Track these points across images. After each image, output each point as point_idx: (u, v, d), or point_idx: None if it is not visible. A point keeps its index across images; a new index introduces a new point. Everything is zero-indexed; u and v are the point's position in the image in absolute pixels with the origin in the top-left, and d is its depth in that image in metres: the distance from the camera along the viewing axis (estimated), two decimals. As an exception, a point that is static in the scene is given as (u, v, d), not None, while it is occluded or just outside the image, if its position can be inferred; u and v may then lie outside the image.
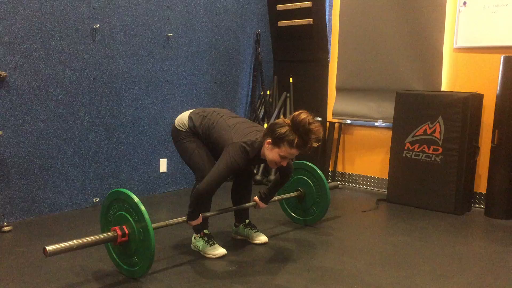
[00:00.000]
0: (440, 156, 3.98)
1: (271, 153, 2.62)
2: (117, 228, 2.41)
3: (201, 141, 2.85)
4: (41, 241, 3.02)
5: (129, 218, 2.40)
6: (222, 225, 3.39)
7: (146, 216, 2.32)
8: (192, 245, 2.95)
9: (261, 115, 5.21)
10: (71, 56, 3.62)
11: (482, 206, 4.09)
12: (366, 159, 4.86)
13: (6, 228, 3.20)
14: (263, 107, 5.25)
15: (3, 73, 3.22)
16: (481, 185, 4.12)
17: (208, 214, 2.83)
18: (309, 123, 2.48)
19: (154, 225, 2.44)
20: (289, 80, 5.26)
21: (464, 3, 4.10)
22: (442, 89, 4.28)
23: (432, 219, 3.78)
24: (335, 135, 5.01)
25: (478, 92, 4.01)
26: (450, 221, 3.71)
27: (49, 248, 2.17)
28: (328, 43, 5.01)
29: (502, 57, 3.77)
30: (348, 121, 4.94)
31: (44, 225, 3.36)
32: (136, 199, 2.37)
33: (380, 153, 4.73)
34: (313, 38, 5.02)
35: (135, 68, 4.06)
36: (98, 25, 3.74)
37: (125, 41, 3.96)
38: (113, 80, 3.91)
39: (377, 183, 4.79)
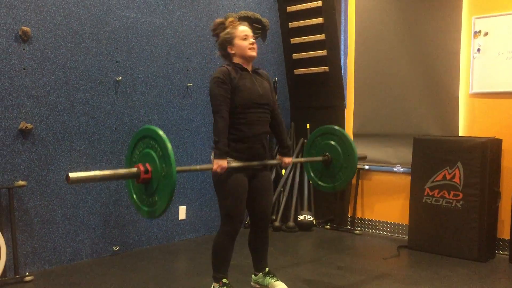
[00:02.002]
0: (461, 202, 3.93)
1: (237, 48, 2.88)
2: (140, 164, 2.40)
3: (241, 176, 2.83)
4: (62, 291, 3.04)
5: (153, 154, 2.39)
6: (241, 274, 3.36)
7: (170, 150, 2.32)
8: (211, 295, 2.93)
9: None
10: (95, 108, 3.74)
11: (506, 253, 4.00)
12: (386, 204, 4.82)
13: (28, 278, 3.23)
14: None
15: (29, 125, 3.34)
16: (504, 231, 4.04)
17: (234, 164, 2.77)
18: (221, 19, 2.98)
19: (178, 168, 2.42)
20: (306, 126, 5.31)
21: (478, 49, 4.16)
22: (460, 134, 4.28)
23: (455, 266, 3.70)
24: (354, 181, 5.00)
25: (497, 137, 4.00)
26: (473, 269, 3.63)
27: (71, 175, 2.14)
28: (344, 90, 5.08)
29: (519, 102, 3.78)
30: (366, 167, 4.94)
31: (65, 275, 3.38)
32: (162, 134, 2.38)
33: (399, 199, 4.69)
34: (329, 85, 5.10)
35: (156, 118, 4.17)
36: (120, 78, 3.88)
37: (146, 92, 4.09)
38: (134, 129, 4.00)
39: (398, 229, 4.72)
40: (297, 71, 5.32)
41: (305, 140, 5.27)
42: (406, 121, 4.59)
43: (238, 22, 2.96)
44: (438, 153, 4.09)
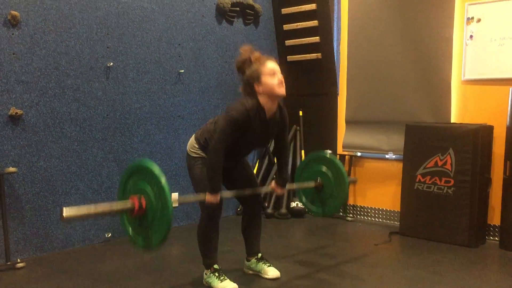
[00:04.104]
0: (452, 188, 3.96)
1: (265, 86, 2.71)
2: (135, 198, 2.38)
3: None
4: (54, 278, 3.03)
5: (148, 189, 2.37)
6: (233, 260, 3.37)
7: (166, 189, 2.31)
8: (203, 280, 2.94)
9: (271, 148, 5.24)
10: (85, 94, 3.70)
11: (496, 239, 4.04)
12: (378, 191, 4.84)
13: (20, 265, 3.22)
14: (273, 140, 5.28)
15: (19, 111, 3.31)
16: (495, 217, 4.08)
17: (226, 194, 2.78)
18: (242, 54, 2.81)
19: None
20: (298, 113, 5.30)
21: (471, 36, 4.16)
22: (452, 121, 4.29)
23: (446, 252, 3.73)
24: (346, 168, 5.01)
25: (488, 123, 4.01)
26: (464, 254, 3.66)
27: (65, 213, 2.12)
28: (337, 77, 5.07)
29: (510, 89, 3.79)
30: (359, 154, 4.95)
31: (57, 262, 3.37)
32: (157, 171, 2.36)
33: (391, 185, 4.71)
34: (321, 72, 5.09)
35: (147, 104, 4.14)
36: (111, 63, 3.84)
37: (138, 78, 4.06)
38: (125, 116, 3.98)
39: (389, 215, 4.75)
40: (290, 57, 5.30)
41: (298, 127, 5.27)
42: (398, 108, 4.60)
43: (265, 58, 2.81)
44: (430, 140, 4.10)
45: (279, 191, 3.10)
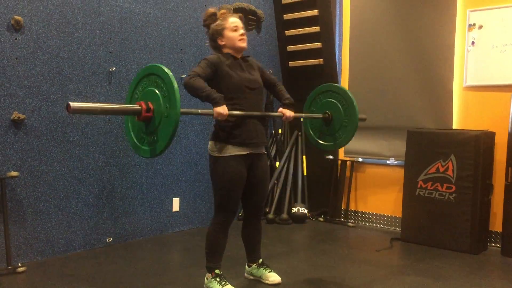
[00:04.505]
0: (454, 194, 3.95)
1: (227, 39, 2.88)
2: (142, 102, 2.37)
3: (235, 163, 2.80)
4: (55, 282, 3.03)
5: (158, 93, 2.36)
6: (234, 265, 3.37)
7: (176, 89, 2.30)
8: (204, 285, 2.93)
9: (273, 153, 5.25)
10: (88, 98, 3.71)
11: (498, 245, 4.03)
12: (379, 197, 4.84)
13: (20, 269, 3.22)
14: (275, 145, 5.29)
15: (22, 116, 3.31)
16: (496, 224, 4.07)
17: (235, 112, 2.74)
18: (207, 12, 2.94)
19: (183, 110, 2.40)
20: (300, 119, 5.30)
21: (472, 42, 4.17)
22: (453, 127, 4.30)
23: (447, 258, 3.72)
24: (347, 173, 5.01)
25: (490, 130, 4.02)
26: (466, 261, 3.65)
27: (73, 104, 2.10)
28: (339, 82, 5.08)
29: (512, 96, 3.80)
30: (360, 159, 4.95)
31: (58, 266, 3.37)
32: (169, 73, 2.35)
33: (393, 191, 4.71)
34: (323, 77, 5.09)
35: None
36: (114, 68, 3.86)
37: (140, 83, 4.06)
38: (127, 121, 3.98)
39: (391, 221, 4.74)
40: (292, 63, 5.31)
41: (300, 133, 5.27)
42: (400, 113, 4.60)
43: (229, 14, 2.95)
44: (432, 146, 4.11)
45: (287, 114, 3.06)
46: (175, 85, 2.33)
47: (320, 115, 3.38)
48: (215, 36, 2.92)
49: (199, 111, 2.67)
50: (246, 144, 2.84)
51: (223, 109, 2.66)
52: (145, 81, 2.48)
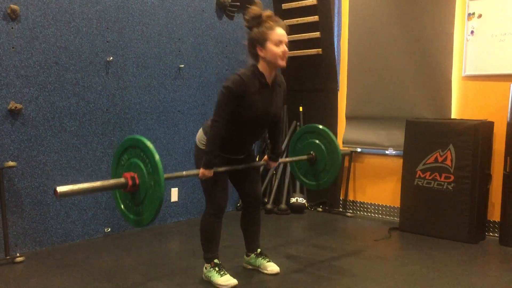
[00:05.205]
0: (452, 184, 3.95)
1: (267, 52, 2.65)
2: (128, 175, 2.38)
3: (221, 160, 2.81)
4: (53, 272, 3.03)
5: (141, 165, 2.36)
6: (233, 255, 3.37)
7: (159, 166, 2.31)
8: (203, 275, 2.94)
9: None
10: (85, 88, 3.69)
11: (496, 235, 4.04)
12: (377, 187, 4.84)
13: (19, 259, 3.22)
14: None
15: (19, 106, 3.30)
16: (494, 213, 4.08)
17: (220, 169, 2.74)
18: (253, 8, 2.66)
19: (166, 175, 2.40)
20: (298, 109, 5.30)
21: (472, 32, 4.14)
22: (452, 117, 4.29)
23: (445, 248, 3.73)
24: (346, 164, 5.00)
25: (489, 119, 4.01)
26: (464, 250, 3.66)
27: (59, 189, 2.10)
28: (337, 73, 5.06)
29: (511, 85, 3.78)
30: (359, 149, 4.94)
31: (56, 256, 3.37)
32: (150, 145, 2.35)
33: (391, 181, 4.71)
34: (322, 67, 5.08)
35: (147, 99, 4.13)
36: (111, 58, 3.83)
37: (138, 72, 4.04)
38: (125, 111, 3.97)
39: (389, 211, 4.75)
40: (290, 53, 5.25)
41: (298, 123, 5.26)
42: (399, 103, 4.59)
43: (275, 20, 2.69)
44: (430, 136, 4.10)
45: (272, 165, 3.10)
46: (157, 157, 2.32)
47: (305, 157, 3.45)
48: (256, 43, 2.68)
49: (184, 173, 2.67)
50: (234, 156, 2.89)
51: (209, 173, 2.67)
52: (128, 153, 2.47)
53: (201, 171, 2.66)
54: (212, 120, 2.67)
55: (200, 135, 2.87)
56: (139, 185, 2.38)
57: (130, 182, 2.36)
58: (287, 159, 3.45)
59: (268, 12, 2.70)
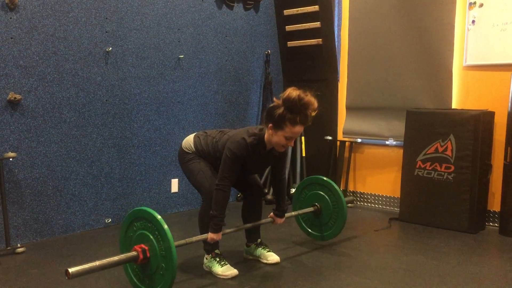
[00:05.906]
0: (453, 174, 3.95)
1: (275, 136, 2.67)
2: (138, 247, 2.38)
3: (206, 162, 2.91)
4: (54, 262, 3.04)
5: (150, 236, 2.37)
6: (233, 245, 3.38)
7: (170, 236, 2.31)
8: (204, 265, 2.95)
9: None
10: (84, 79, 3.68)
11: (496, 225, 4.04)
12: (378, 177, 4.84)
13: (20, 250, 3.23)
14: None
15: (18, 96, 3.29)
16: (494, 203, 4.08)
17: (228, 230, 2.84)
18: (303, 98, 2.55)
19: (176, 243, 2.40)
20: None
21: (473, 21, 4.12)
22: (453, 107, 4.28)
23: (445, 238, 3.74)
24: (346, 154, 5.00)
25: (489, 109, 4.00)
26: (464, 240, 3.67)
27: (71, 270, 2.12)
28: (338, 63, 5.04)
29: (512, 75, 3.77)
30: (359, 140, 4.94)
31: (57, 246, 3.38)
32: (159, 217, 2.35)
33: (391, 172, 4.71)
34: (322, 58, 5.05)
35: (147, 90, 4.11)
36: (110, 48, 3.81)
37: (137, 63, 4.03)
38: (125, 101, 3.96)
39: (389, 201, 4.75)
40: (290, 43, 5.26)
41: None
42: (399, 94, 4.58)
43: (299, 121, 2.59)
44: (431, 126, 4.09)
45: (278, 222, 3.15)
46: (170, 236, 2.31)
47: (311, 209, 3.47)
48: (271, 121, 2.64)
49: (193, 239, 2.66)
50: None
51: (217, 236, 2.72)
52: (137, 224, 2.46)
53: (210, 236, 2.71)
54: (217, 183, 2.70)
55: (188, 141, 2.97)
56: (149, 256, 2.37)
57: (141, 256, 2.36)
58: (294, 213, 3.44)
59: (304, 100, 2.55)
